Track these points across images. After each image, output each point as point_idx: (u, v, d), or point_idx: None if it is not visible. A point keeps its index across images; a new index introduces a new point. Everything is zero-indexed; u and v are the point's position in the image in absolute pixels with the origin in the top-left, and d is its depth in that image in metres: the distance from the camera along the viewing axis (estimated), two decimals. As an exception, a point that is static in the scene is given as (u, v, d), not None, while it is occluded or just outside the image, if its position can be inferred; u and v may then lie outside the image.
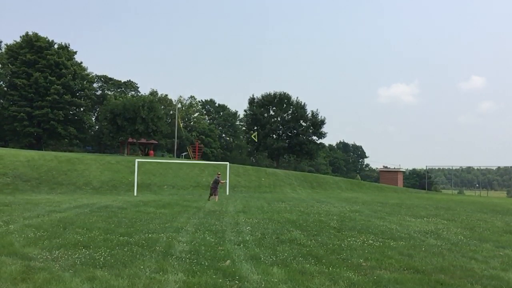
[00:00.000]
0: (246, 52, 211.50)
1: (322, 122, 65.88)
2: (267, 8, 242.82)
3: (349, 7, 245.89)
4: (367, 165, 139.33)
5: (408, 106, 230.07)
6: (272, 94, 66.82)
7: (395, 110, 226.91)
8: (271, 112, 66.95)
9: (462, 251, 9.52)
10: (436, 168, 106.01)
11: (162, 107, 72.60)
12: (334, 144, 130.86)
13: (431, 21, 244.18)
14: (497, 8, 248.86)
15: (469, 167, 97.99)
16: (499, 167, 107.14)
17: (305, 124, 66.01)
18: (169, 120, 73.71)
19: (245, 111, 69.29)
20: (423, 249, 9.64)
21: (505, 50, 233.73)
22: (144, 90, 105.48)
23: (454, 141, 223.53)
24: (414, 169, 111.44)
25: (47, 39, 61.47)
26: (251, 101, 67.76)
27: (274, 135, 65.62)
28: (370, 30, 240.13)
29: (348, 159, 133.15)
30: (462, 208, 23.48)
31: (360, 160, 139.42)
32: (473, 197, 45.68)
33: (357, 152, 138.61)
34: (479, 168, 76.99)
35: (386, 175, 65.84)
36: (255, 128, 66.29)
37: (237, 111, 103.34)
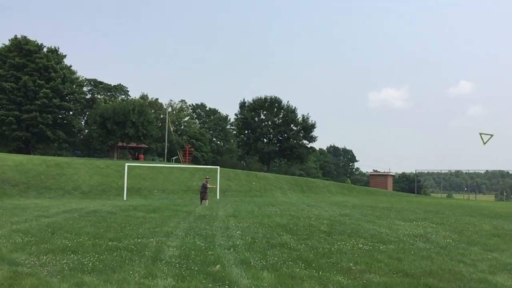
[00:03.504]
0: (237, 56, 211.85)
1: (313, 126, 66.12)
2: (257, 11, 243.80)
3: (341, 11, 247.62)
4: (357, 169, 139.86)
5: (398, 111, 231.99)
6: (263, 98, 66.95)
7: (385, 114, 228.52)
8: (262, 116, 67.05)
9: (451, 255, 9.59)
10: (426, 172, 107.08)
11: (153, 111, 72.32)
12: (324, 148, 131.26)
13: (422, 27, 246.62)
14: (486, 14, 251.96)
15: (458, 171, 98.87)
16: (487, 171, 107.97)
17: (295, 128, 66.22)
18: (160, 124, 73.44)
19: (236, 115, 69.44)
20: (412, 252, 9.69)
21: (493, 55, 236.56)
22: (135, 94, 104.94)
23: (443, 145, 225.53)
24: (403, 173, 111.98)
25: (36, 43, 61.02)
26: (242, 105, 67.83)
27: (264, 139, 65.73)
28: (361, 35, 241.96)
29: (339, 163, 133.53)
30: (451, 211, 23.65)
31: (351, 164, 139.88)
32: (461, 201, 46.05)
33: (348, 156, 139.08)
34: (467, 172, 77.52)
35: (376, 179, 66.20)
36: (246, 132, 66.39)
37: (228, 115, 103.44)
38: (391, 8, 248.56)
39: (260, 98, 67.05)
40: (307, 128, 65.85)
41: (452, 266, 8.33)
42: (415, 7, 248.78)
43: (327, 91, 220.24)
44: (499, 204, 42.24)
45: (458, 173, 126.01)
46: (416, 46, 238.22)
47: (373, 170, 76.35)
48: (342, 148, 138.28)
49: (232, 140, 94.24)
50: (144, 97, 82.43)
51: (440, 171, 73.68)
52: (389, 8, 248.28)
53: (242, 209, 20.94)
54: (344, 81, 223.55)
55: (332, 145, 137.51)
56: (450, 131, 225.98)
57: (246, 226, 13.52)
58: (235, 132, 77.94)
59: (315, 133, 66.58)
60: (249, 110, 66.43)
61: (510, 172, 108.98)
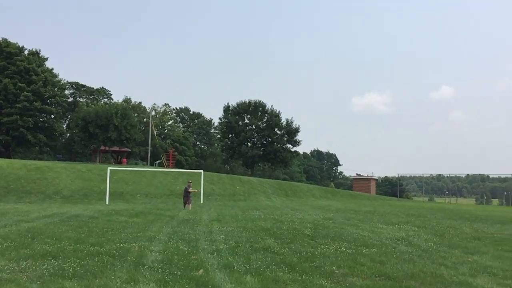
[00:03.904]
0: (221, 60, 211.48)
1: (297, 130, 66.42)
2: (242, 15, 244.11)
3: (323, 15, 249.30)
4: (341, 173, 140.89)
5: (381, 115, 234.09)
6: (247, 102, 67.04)
7: (368, 119, 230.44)
8: (246, 120, 67.10)
9: (432, 258, 9.69)
10: (408, 176, 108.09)
11: (136, 114, 71.84)
12: (308, 152, 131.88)
13: (405, 33, 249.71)
14: (468, 21, 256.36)
15: (439, 174, 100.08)
16: (468, 175, 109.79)
17: (279, 132, 66.42)
18: (143, 128, 72.95)
19: (220, 119, 69.31)
20: (395, 256, 9.78)
21: (474, 61, 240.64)
22: (118, 98, 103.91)
23: (425, 149, 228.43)
24: (386, 177, 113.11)
25: (17, 45, 60.18)
26: (226, 109, 67.78)
27: (249, 143, 65.73)
28: (344, 40, 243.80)
29: (322, 167, 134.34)
30: (433, 215, 23.93)
31: (334, 168, 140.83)
32: (443, 204, 46.67)
33: (331, 160, 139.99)
34: (449, 175, 78.73)
35: (359, 183, 66.62)
36: (230, 136, 66.39)
37: (212, 119, 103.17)
38: (375, 14, 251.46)
39: (244, 102, 67.15)
40: (291, 132, 66.12)
41: (433, 269, 8.42)
42: (400, 12, 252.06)
43: (311, 96, 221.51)
44: (480, 207, 42.92)
45: (439, 177, 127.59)
46: (398, 51, 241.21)
47: (356, 174, 76.89)
48: (326, 152, 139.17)
49: (216, 144, 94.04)
50: (127, 101, 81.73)
51: (422, 175, 74.65)
52: (372, 14, 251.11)
53: (226, 213, 20.89)
54: (327, 86, 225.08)
55: (316, 149, 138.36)
56: (431, 136, 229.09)
57: (229, 230, 13.48)
58: (219, 136, 77.84)
59: (299, 137, 66.97)
60: (233, 114, 66.44)
61: (490, 176, 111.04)
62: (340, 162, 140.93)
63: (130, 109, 66.46)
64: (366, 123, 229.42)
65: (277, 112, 67.00)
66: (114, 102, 74.94)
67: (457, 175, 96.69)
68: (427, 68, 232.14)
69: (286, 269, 8.00)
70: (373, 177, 69.69)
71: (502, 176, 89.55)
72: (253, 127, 65.95)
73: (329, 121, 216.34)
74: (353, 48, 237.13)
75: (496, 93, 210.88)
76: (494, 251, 10.98)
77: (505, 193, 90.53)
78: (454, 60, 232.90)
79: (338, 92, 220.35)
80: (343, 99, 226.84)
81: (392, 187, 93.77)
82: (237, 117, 66.18)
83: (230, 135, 66.96)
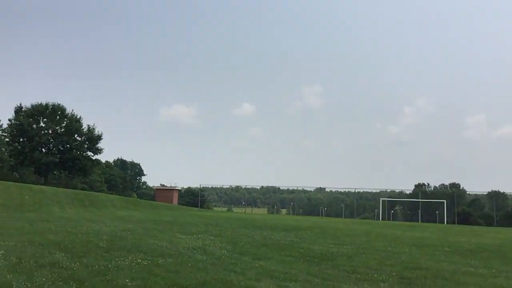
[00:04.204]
0: (10, 56, 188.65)
1: (99, 138, 63.26)
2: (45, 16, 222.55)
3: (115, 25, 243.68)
4: (145, 183, 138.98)
5: (187, 127, 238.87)
6: (44, 104, 61.18)
7: (175, 130, 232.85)
8: (42, 124, 61.16)
9: (224, 265, 10.19)
10: (209, 187, 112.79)
11: None
12: (111, 161, 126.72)
13: (200, 45, 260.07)
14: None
15: (238, 186, 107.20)
16: (262, 187, 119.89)
17: (80, 139, 62.36)
18: None
19: (9, 120, 61.57)
20: (190, 265, 9.97)
21: (270, 82, 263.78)
22: None
23: (227, 162, 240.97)
24: (189, 188, 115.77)
25: None
26: (18, 109, 60.71)
27: (43, 149, 59.98)
28: (155, 51, 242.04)
29: (126, 176, 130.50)
30: (229, 224, 25.34)
31: (138, 178, 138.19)
32: (239, 214, 49.92)
33: (135, 170, 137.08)
34: (245, 187, 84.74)
35: (162, 193, 66.78)
36: (21, 140, 59.62)
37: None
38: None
39: (41, 104, 61.13)
40: (93, 139, 62.68)
41: (224, 275, 8.84)
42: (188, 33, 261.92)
43: (118, 103, 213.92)
44: (270, 216, 47.22)
45: (238, 188, 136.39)
46: (202, 65, 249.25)
47: (160, 184, 76.89)
48: (130, 162, 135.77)
49: (3, 149, 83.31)
50: None
51: (222, 186, 78.84)
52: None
53: (9, 226, 18.52)
54: (135, 94, 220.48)
55: (120, 158, 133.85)
56: (233, 150, 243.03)
57: (12, 245, 11.95)
58: (7, 139, 69.14)
59: (101, 144, 63.86)
60: (27, 116, 59.90)
61: (281, 188, 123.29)
62: (145, 172, 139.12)
63: None
64: (173, 133, 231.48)
65: (78, 117, 62.90)
66: None
67: (253, 186, 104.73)
68: (231, 86, 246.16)
69: (75, 284, 7.44)
70: (176, 188, 70.60)
71: (290, 189, 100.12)
72: (50, 131, 60.50)
73: (135, 130, 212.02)
74: (164, 59, 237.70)
75: (289, 113, 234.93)
76: (278, 256, 12.12)
77: (292, 203, 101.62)
78: (254, 80, 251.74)
79: (146, 101, 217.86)
80: (151, 108, 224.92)
81: (194, 198, 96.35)
82: (31, 119, 59.84)
83: (21, 139, 60.10)
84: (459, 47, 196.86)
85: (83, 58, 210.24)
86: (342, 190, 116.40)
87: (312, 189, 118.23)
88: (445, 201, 65.48)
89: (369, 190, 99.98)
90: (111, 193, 77.83)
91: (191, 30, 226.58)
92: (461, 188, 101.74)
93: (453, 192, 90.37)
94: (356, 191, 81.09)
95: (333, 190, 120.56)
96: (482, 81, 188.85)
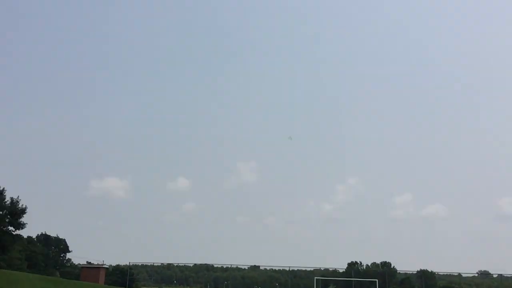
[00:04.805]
0: None
1: (23, 211, 59.91)
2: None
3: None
4: (69, 260, 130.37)
5: (119, 201, 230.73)
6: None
7: (106, 204, 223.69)
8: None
9: None
10: (140, 264, 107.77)
11: None
12: (34, 236, 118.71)
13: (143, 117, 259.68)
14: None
15: (170, 263, 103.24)
16: (195, 264, 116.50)
17: (1, 212, 58.69)
18: None
19: None
20: None
21: (204, 156, 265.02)
22: None
23: (158, 238, 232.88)
24: (118, 265, 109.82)
25: None
26: None
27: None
28: (88, 121, 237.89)
29: (49, 253, 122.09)
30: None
31: (62, 255, 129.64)
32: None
33: (60, 246, 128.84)
34: (178, 265, 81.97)
35: (88, 272, 63.02)
36: None
37: None
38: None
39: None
40: (16, 213, 59.24)
41: None
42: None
43: (44, 174, 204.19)
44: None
45: (170, 266, 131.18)
46: (139, 135, 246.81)
47: (87, 262, 72.79)
48: (55, 237, 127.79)
49: None
50: None
51: (153, 264, 75.75)
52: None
53: None
54: (64, 165, 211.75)
55: (44, 233, 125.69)
56: (165, 225, 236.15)
57: None
58: None
59: (24, 219, 60.31)
60: None
61: (215, 266, 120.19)
62: (70, 249, 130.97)
63: None
64: (103, 208, 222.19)
65: (1, 188, 59.63)
66: None
67: (186, 264, 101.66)
68: (166, 160, 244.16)
69: None
70: (103, 266, 66.96)
71: (224, 266, 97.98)
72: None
73: (63, 203, 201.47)
74: (99, 129, 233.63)
75: (224, 188, 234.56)
76: None
77: (225, 282, 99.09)
78: (190, 154, 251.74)
79: (77, 172, 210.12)
80: (81, 180, 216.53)
81: (123, 276, 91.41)
82: None
83: None
84: (388, 132, 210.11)
85: (11, 128, 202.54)
86: (277, 268, 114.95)
87: (246, 267, 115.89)
88: (377, 280, 66.66)
89: (304, 268, 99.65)
90: (32, 272, 72.20)
91: (127, 106, 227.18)
92: (392, 266, 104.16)
93: (384, 271, 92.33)
94: (291, 269, 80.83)
95: (268, 268, 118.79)
96: (409, 162, 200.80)
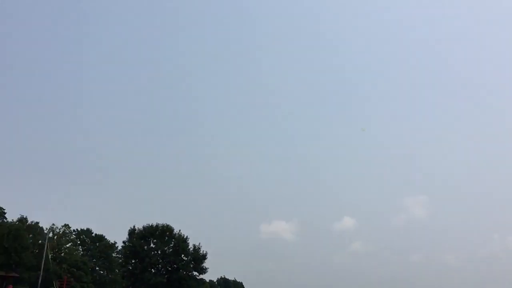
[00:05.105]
0: (128, 178, 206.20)
1: (204, 257, 64.93)
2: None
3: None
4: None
5: (287, 243, 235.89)
6: (154, 225, 65.20)
7: (275, 247, 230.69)
8: (152, 245, 64.57)
9: None
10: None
11: (30, 235, 66.30)
12: (215, 279, 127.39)
13: (310, 163, 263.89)
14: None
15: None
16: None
17: (186, 259, 64.33)
18: (37, 251, 66.93)
19: (124, 242, 66.04)
20: None
21: (372, 195, 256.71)
22: (12, 216, 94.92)
23: (328, 279, 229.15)
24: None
25: None
26: (132, 231, 65.20)
27: (152, 269, 62.50)
28: (249, 170, 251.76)
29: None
30: None
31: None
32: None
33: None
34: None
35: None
36: (133, 261, 62.89)
37: (115, 242, 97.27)
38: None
39: (151, 225, 65.26)
40: (198, 258, 64.36)
41: None
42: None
43: (219, 220, 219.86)
44: None
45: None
46: (305, 182, 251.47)
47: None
48: (233, 280, 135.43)
49: (117, 270, 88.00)
50: (22, 220, 75.66)
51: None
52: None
53: None
54: (236, 211, 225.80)
55: (223, 276, 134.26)
56: (334, 266, 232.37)
57: None
58: (121, 260, 73.40)
59: (206, 264, 65.18)
60: (139, 237, 63.85)
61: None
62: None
63: (24, 229, 61.40)
64: (273, 250, 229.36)
65: (185, 237, 65.65)
66: (8, 221, 69.03)
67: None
68: (331, 199, 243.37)
69: None
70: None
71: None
72: (159, 252, 63.44)
73: (238, 248, 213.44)
74: (259, 175, 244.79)
75: (392, 226, 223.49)
76: None
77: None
78: (355, 193, 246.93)
79: (247, 218, 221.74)
80: (251, 225, 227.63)
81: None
82: (142, 241, 63.60)
83: (133, 260, 63.51)
84: None
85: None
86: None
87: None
88: None
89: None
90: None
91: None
92: None
93: None
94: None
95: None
96: None
